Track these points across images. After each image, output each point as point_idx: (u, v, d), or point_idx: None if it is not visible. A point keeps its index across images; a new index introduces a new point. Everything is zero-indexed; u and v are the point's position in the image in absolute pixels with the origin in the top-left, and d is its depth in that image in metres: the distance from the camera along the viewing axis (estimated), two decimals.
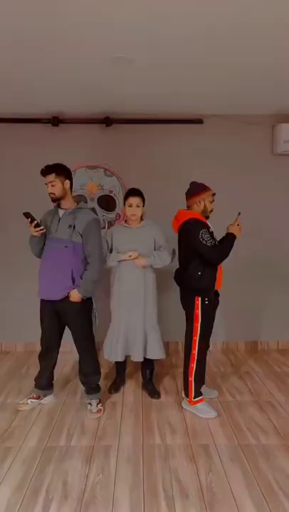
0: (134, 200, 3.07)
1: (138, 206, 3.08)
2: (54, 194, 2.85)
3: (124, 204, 3.14)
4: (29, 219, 2.77)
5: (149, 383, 3.33)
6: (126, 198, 3.13)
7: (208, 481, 2.23)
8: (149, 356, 3.19)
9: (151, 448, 2.56)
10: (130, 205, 3.09)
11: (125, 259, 3.08)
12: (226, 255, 2.87)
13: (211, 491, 2.16)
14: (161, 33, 2.43)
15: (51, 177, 2.82)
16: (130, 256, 3.06)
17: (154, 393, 3.24)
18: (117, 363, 3.36)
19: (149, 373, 3.34)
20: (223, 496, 2.12)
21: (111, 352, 3.21)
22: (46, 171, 2.84)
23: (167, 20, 2.28)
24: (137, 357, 3.16)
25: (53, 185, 2.83)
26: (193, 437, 2.67)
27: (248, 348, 4.42)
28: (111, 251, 3.19)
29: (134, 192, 3.12)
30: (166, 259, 3.15)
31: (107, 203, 4.20)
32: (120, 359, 3.20)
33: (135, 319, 3.15)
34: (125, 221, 3.22)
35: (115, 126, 4.10)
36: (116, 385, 3.38)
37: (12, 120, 4.06)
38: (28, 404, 3.06)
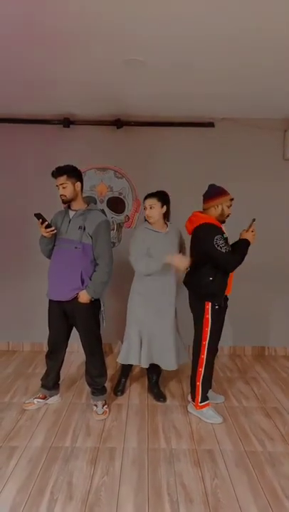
0: (147, 202, 3.05)
1: (152, 208, 3.02)
2: (65, 196, 2.86)
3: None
4: (40, 220, 2.78)
5: (155, 386, 3.32)
6: (143, 201, 3.11)
7: (213, 487, 2.22)
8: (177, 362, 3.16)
9: (156, 452, 2.55)
10: (145, 208, 3.07)
11: (168, 261, 2.96)
12: (240, 262, 2.83)
13: (215, 496, 2.15)
14: (172, 35, 2.44)
15: (62, 179, 2.82)
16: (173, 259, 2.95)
17: (160, 396, 3.23)
18: (124, 365, 3.31)
19: (156, 376, 3.33)
20: (227, 501, 2.11)
21: (132, 355, 3.13)
22: (57, 173, 2.84)
23: (179, 22, 2.29)
24: (170, 365, 3.10)
25: (64, 188, 2.84)
26: (199, 442, 2.66)
27: (255, 353, 4.40)
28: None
29: (149, 194, 3.08)
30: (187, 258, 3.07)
31: (116, 204, 4.21)
32: (145, 365, 3.12)
33: (164, 323, 3.11)
34: (148, 222, 3.14)
35: (126, 128, 4.11)
36: (122, 387, 3.36)
37: (23, 121, 4.09)
38: (34, 403, 3.07)
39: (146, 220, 3.13)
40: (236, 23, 2.28)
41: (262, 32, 2.38)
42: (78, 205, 2.93)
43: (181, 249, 3.20)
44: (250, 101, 3.64)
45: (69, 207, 2.96)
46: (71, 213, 2.94)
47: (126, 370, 3.38)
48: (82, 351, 3.06)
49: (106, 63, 2.85)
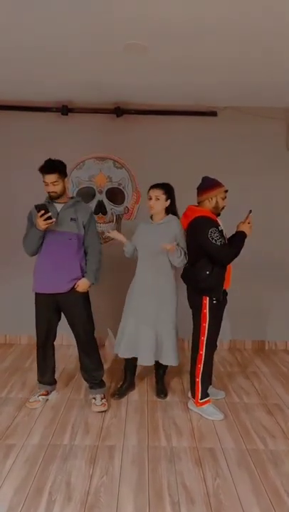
0: (152, 193, 2.91)
1: (157, 199, 2.89)
2: (56, 193, 2.83)
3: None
4: (42, 211, 2.69)
5: (160, 381, 3.25)
6: (148, 192, 2.97)
7: (215, 487, 2.18)
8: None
9: (157, 450, 2.50)
10: (149, 198, 2.94)
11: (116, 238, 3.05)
12: (236, 255, 2.78)
13: (217, 497, 2.10)
14: (173, 22, 2.34)
15: (54, 177, 2.77)
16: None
17: (162, 392, 3.18)
18: (127, 363, 3.18)
19: (162, 372, 3.25)
20: (230, 502, 2.06)
21: (128, 348, 3.02)
22: (48, 170, 2.76)
23: (180, 8, 2.19)
24: (172, 360, 3.02)
25: (55, 185, 2.79)
26: (200, 440, 2.61)
27: (255, 347, 4.36)
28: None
29: (155, 184, 2.95)
30: (183, 260, 2.92)
31: (115, 195, 4.12)
32: (150, 363, 3.01)
33: (164, 316, 3.00)
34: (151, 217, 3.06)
35: (126, 116, 4.00)
36: (122, 390, 3.18)
37: (21, 108, 3.98)
38: (39, 401, 3.01)
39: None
40: (238, 10, 2.19)
41: (265, 21, 2.29)
42: (64, 198, 2.92)
43: (177, 241, 2.96)
44: (253, 90, 3.54)
45: (56, 198, 2.89)
46: (58, 206, 2.88)
47: (130, 368, 3.20)
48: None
49: (106, 49, 2.74)
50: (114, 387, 3.30)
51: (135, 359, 3.06)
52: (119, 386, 3.21)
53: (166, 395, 3.17)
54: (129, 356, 3.05)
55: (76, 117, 4.02)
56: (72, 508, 2.01)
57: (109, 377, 3.46)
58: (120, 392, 3.15)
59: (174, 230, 2.93)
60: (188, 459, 2.41)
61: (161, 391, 3.19)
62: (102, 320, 3.61)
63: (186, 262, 2.92)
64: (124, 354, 3.04)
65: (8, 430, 2.67)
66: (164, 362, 3.05)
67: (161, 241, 2.84)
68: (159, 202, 2.90)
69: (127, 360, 3.14)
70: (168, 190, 2.93)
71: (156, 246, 2.86)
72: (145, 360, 2.99)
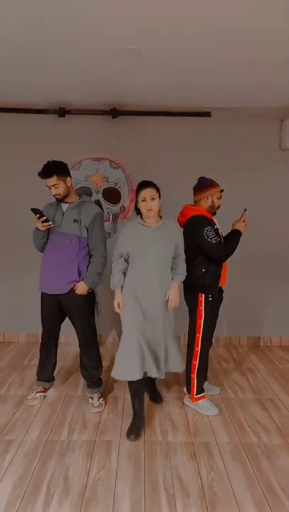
0: (147, 193, 2.60)
1: (153, 199, 2.59)
2: (60, 195, 2.82)
3: (137, 200, 2.65)
4: (38, 215, 2.73)
5: (153, 387, 3.10)
6: (138, 192, 2.63)
7: (210, 480, 2.23)
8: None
9: (153, 445, 2.56)
10: (144, 199, 2.60)
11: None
12: (231, 252, 2.84)
13: (212, 490, 2.16)
14: (167, 23, 2.38)
15: (53, 180, 2.76)
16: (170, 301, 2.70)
17: (157, 397, 3.09)
18: (135, 389, 2.70)
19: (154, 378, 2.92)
20: (224, 495, 2.12)
21: (131, 369, 2.61)
22: (46, 174, 2.76)
23: (173, 10, 2.23)
24: (178, 366, 2.83)
25: (56, 188, 2.79)
26: (195, 435, 2.67)
27: (251, 344, 4.41)
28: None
29: (146, 183, 2.64)
30: (185, 268, 2.80)
31: (112, 195, 4.16)
32: (162, 375, 2.76)
33: (168, 327, 2.77)
34: (141, 218, 2.71)
35: (122, 117, 4.04)
36: (136, 427, 2.66)
37: (18, 110, 4.01)
38: (37, 398, 3.05)
39: (138, 214, 2.73)
40: (232, 12, 2.23)
41: (259, 22, 2.33)
42: (71, 197, 2.90)
43: (176, 251, 2.75)
44: (246, 90, 3.58)
45: (62, 199, 2.92)
46: (64, 206, 2.89)
47: (139, 398, 2.73)
48: (78, 343, 3.04)
49: (102, 52, 2.78)
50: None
51: (142, 381, 2.67)
52: (131, 423, 2.71)
53: (162, 399, 3.10)
54: (140, 377, 2.62)
55: (73, 119, 4.06)
56: (70, 501, 2.06)
57: (106, 371, 3.50)
58: (135, 431, 2.64)
59: (177, 236, 2.74)
60: (183, 453, 2.47)
61: (157, 397, 3.09)
62: (105, 318, 3.62)
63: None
64: (135, 375, 2.60)
65: (7, 426, 2.72)
66: (171, 369, 2.81)
67: (165, 248, 2.67)
68: (155, 202, 2.62)
69: (133, 385, 2.68)
70: (157, 188, 2.66)
71: (161, 255, 2.66)
72: (160, 373, 2.74)
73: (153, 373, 2.68)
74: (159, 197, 2.65)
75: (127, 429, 2.67)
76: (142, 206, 2.63)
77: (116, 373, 2.66)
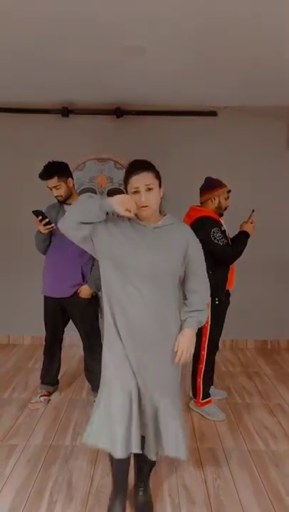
0: (141, 180, 1.68)
1: (150, 189, 1.69)
2: (61, 196, 2.79)
3: (127, 190, 1.76)
4: (40, 217, 2.70)
5: (145, 481, 2.03)
6: (127, 178, 1.75)
7: (216, 488, 2.18)
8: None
9: None
10: (136, 191, 1.69)
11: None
12: (239, 254, 2.79)
13: (218, 498, 2.10)
14: (172, 21, 2.34)
15: (54, 181, 2.73)
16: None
17: (146, 504, 1.99)
18: (119, 467, 1.89)
19: (149, 468, 2.01)
20: (230, 503, 2.06)
21: (124, 443, 1.69)
22: (46, 175, 2.73)
23: (180, 8, 2.19)
24: (181, 452, 1.78)
25: (57, 189, 2.76)
26: (201, 440, 2.62)
27: (258, 347, 4.35)
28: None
29: (139, 165, 1.75)
30: (207, 300, 1.91)
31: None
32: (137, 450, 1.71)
33: (164, 380, 1.80)
34: (135, 215, 1.73)
35: (126, 117, 4.00)
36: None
37: (21, 110, 3.98)
38: (41, 402, 3.02)
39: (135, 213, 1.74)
40: (237, 8, 2.18)
41: (265, 19, 2.28)
42: (73, 199, 2.86)
43: (188, 266, 1.81)
44: (253, 89, 3.53)
45: (64, 201, 2.89)
46: (66, 207, 2.86)
47: (122, 473, 1.92)
48: (82, 346, 3.02)
49: (105, 50, 2.75)
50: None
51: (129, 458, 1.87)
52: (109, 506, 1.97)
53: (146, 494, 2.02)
54: (126, 456, 1.72)
55: (77, 119, 4.02)
56: (73, 508, 2.02)
57: None
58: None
59: (185, 241, 1.78)
60: (189, 460, 2.41)
61: (146, 502, 2.00)
62: None
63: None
64: (120, 453, 1.69)
65: (11, 430, 2.69)
66: (170, 453, 1.79)
67: (167, 255, 1.73)
68: (152, 193, 1.70)
69: (118, 463, 1.85)
70: (157, 172, 1.80)
71: (162, 266, 1.71)
72: (144, 450, 1.82)
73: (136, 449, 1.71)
74: (160, 186, 1.77)
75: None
76: (135, 199, 1.68)
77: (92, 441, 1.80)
